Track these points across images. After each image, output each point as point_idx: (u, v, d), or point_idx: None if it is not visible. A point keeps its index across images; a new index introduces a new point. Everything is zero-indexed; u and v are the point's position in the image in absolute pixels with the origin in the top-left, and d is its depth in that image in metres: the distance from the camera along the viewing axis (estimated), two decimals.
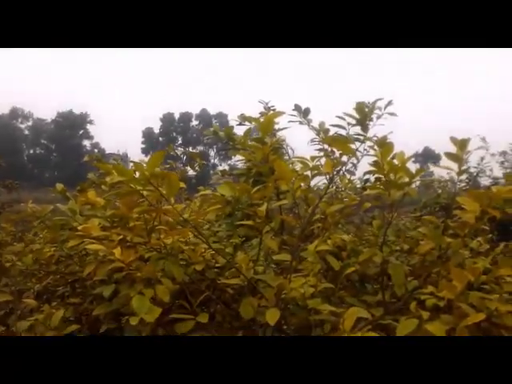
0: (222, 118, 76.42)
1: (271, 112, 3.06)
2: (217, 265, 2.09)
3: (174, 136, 79.33)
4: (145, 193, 1.55)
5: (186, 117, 79.85)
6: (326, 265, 2.03)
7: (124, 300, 1.76)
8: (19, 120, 76.40)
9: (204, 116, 79.37)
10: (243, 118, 2.99)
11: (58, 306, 2.40)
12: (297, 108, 2.98)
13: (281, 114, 2.20)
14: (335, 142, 2.10)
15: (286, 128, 3.04)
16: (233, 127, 2.78)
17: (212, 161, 74.69)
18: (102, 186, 2.89)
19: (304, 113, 3.02)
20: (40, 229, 3.93)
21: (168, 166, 4.27)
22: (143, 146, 78.28)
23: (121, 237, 1.80)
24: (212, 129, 2.83)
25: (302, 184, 2.01)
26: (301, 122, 3.03)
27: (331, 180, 1.94)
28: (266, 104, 3.18)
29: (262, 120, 2.55)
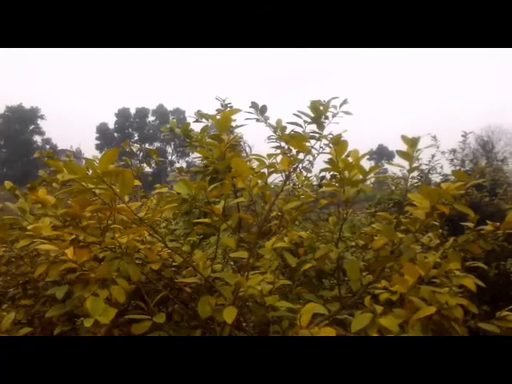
0: (179, 113, 75.42)
1: (228, 109, 3.06)
2: (174, 263, 2.06)
3: (129, 132, 77.54)
4: (97, 191, 1.51)
5: (142, 112, 78.24)
6: (283, 262, 2.05)
7: (77, 301, 1.71)
8: None
9: (161, 112, 78.04)
10: (200, 115, 2.96)
11: (8, 309, 2.32)
12: (254, 105, 2.99)
13: (237, 111, 2.20)
14: (292, 140, 2.11)
15: (242, 125, 3.05)
16: (189, 124, 2.75)
17: (169, 158, 73.71)
18: (54, 184, 2.79)
19: (261, 110, 3.04)
20: None
21: (123, 163, 4.18)
22: (98, 142, 76.14)
23: (73, 236, 1.74)
24: (169, 125, 2.79)
25: (259, 181, 2.02)
26: (258, 120, 3.04)
27: (287, 177, 1.95)
28: (223, 101, 3.17)
29: (218, 117, 2.54)
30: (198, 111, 2.98)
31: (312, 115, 2.23)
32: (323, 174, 2.82)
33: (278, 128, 2.92)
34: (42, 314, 2.11)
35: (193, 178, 3.14)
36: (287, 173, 1.85)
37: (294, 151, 2.31)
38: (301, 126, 2.64)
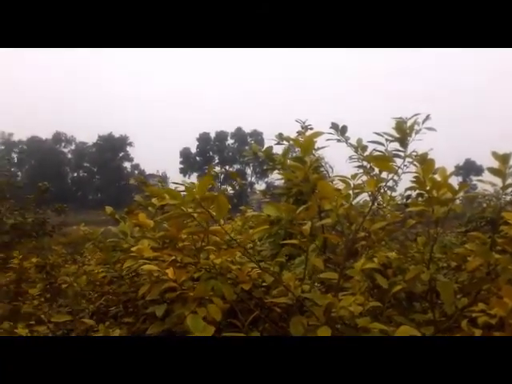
0: (256, 135, 77.08)
1: (310, 131, 3.12)
2: (263, 284, 2.13)
3: (210, 155, 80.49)
4: (195, 215, 1.62)
5: (221, 136, 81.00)
6: (371, 283, 2.04)
7: (176, 319, 1.83)
8: (62, 144, 79.58)
9: (239, 135, 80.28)
10: (281, 138, 3.05)
11: (111, 326, 2.50)
12: (334, 126, 3.02)
13: (320, 133, 2.25)
14: (376, 160, 2.12)
15: (324, 147, 3.08)
16: (272, 147, 2.85)
17: (249, 179, 75.18)
18: (149, 208, 3.01)
19: (341, 131, 3.06)
20: (90, 250, 4.10)
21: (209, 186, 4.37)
22: (181, 166, 79.68)
23: (172, 257, 1.88)
24: (251, 149, 2.90)
25: (344, 202, 2.04)
26: (339, 140, 3.06)
27: (374, 198, 1.96)
28: (303, 123, 3.24)
29: (301, 139, 2.60)
30: (279, 134, 3.08)
31: (397, 136, 2.22)
32: (408, 192, 2.77)
33: (359, 147, 2.92)
34: (143, 331, 2.26)
35: (273, 199, 3.22)
36: (374, 193, 1.86)
37: (376, 170, 2.31)
38: (382, 145, 2.63)
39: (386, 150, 2.65)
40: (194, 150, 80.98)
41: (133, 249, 1.92)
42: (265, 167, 3.03)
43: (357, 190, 2.00)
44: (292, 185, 2.55)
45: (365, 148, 2.90)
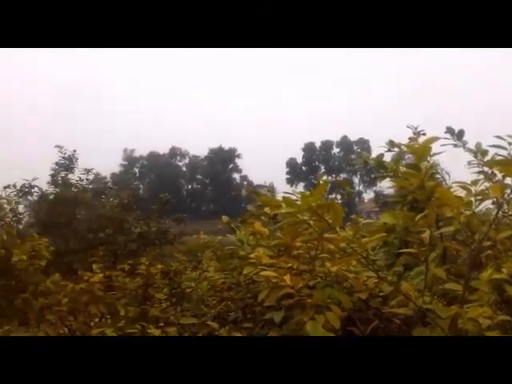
0: (363, 143, 75.29)
1: (426, 138, 3.01)
2: (380, 293, 2.10)
3: (316, 165, 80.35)
4: (311, 222, 1.67)
5: (327, 145, 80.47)
6: (498, 296, 1.91)
7: (294, 325, 1.89)
8: (177, 158, 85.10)
9: (345, 143, 79.08)
10: (392, 145, 2.98)
11: (231, 331, 2.64)
12: (450, 131, 2.89)
13: (436, 139, 2.18)
14: (499, 165, 2.00)
15: (440, 153, 2.95)
16: (383, 155, 2.80)
17: (356, 188, 73.60)
18: (262, 217, 3.14)
19: (458, 135, 2.91)
20: (208, 258, 4.36)
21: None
22: (287, 176, 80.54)
23: (289, 265, 1.94)
24: (360, 157, 2.89)
25: (465, 210, 1.95)
26: (455, 145, 2.92)
27: (500, 205, 1.84)
28: (415, 129, 3.13)
29: (415, 146, 2.52)
30: (390, 141, 3.01)
31: None
32: None
33: (479, 152, 2.76)
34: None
35: (384, 208, 3.14)
36: (500, 200, 1.76)
37: (499, 176, 2.17)
38: (505, 149, 2.48)
39: (509, 154, 2.52)
40: (299, 160, 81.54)
41: (251, 256, 2.02)
42: (373, 175, 2.98)
43: (479, 197, 1.90)
44: (407, 192, 2.48)
45: (485, 153, 2.74)
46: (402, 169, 2.63)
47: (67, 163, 8.16)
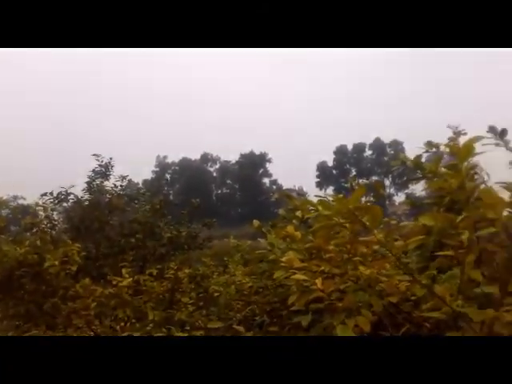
0: (396, 145, 74.15)
1: (468, 137, 2.91)
2: (412, 297, 2.03)
3: (347, 168, 79.57)
4: (347, 225, 1.63)
5: (359, 147, 79.61)
6: None
7: (322, 329, 1.84)
8: (209, 164, 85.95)
9: (377, 145, 78.03)
10: (430, 146, 2.89)
11: (256, 335, 2.60)
12: (492, 130, 2.78)
13: (480, 138, 2.08)
14: None
15: (481, 153, 2.85)
16: (421, 155, 2.72)
17: (388, 190, 72.46)
18: (294, 221, 3.10)
19: (501, 134, 2.80)
20: (235, 262, 4.35)
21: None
22: (317, 179, 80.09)
23: (320, 268, 1.90)
24: (398, 159, 2.80)
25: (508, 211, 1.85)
26: (497, 144, 2.81)
27: None
28: (456, 128, 3.03)
29: (457, 146, 2.44)
30: (428, 142, 2.93)
31: None
32: None
33: None
34: None
35: (411, 212, 3.04)
36: None
37: None
38: None
39: None
40: (330, 163, 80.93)
41: (283, 259, 1.98)
42: (407, 177, 2.90)
43: None
44: (445, 193, 2.39)
45: None
46: (441, 170, 2.54)
47: (103, 170, 8.34)
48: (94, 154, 8.30)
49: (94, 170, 8.30)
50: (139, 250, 7.10)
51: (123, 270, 4.45)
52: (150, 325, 3.03)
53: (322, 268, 1.89)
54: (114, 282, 4.22)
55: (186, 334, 2.72)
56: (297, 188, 66.60)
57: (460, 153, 1.92)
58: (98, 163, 8.32)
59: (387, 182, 73.65)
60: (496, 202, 1.61)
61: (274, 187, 78.12)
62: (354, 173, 77.56)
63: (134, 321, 3.84)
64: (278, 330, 2.61)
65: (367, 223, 1.56)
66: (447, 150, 2.30)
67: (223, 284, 3.39)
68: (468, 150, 1.92)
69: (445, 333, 1.72)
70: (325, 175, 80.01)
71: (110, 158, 8.47)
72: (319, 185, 77.94)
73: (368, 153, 79.65)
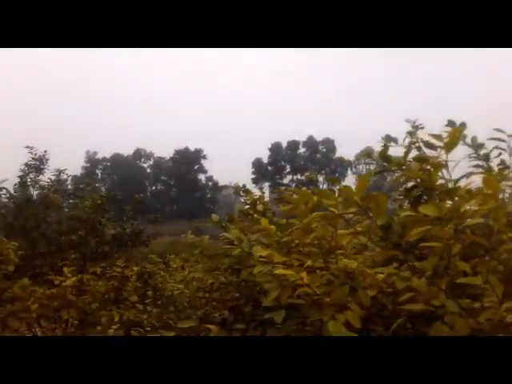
0: (328, 143, 76.45)
1: (421, 129, 2.97)
2: (388, 290, 2.02)
3: (282, 165, 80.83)
4: (350, 216, 1.59)
5: (293, 145, 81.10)
6: None
7: (294, 326, 1.78)
8: (142, 160, 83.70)
9: (310, 143, 79.95)
10: (388, 139, 2.93)
11: (221, 332, 2.49)
12: (450, 123, 2.86)
13: (464, 128, 2.15)
14: None
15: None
16: (387, 148, 2.75)
17: (321, 186, 74.56)
18: (255, 215, 3.02)
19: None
20: (193, 257, 4.21)
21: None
22: (253, 176, 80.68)
23: (307, 263, 1.83)
24: (365, 151, 2.82)
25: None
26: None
27: None
28: (414, 122, 3.09)
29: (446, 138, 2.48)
30: (387, 135, 2.97)
31: None
32: None
33: (475, 145, 2.76)
34: None
35: None
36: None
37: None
38: (504, 141, 2.52)
39: (508, 146, 2.57)
40: (265, 160, 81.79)
41: (263, 254, 1.89)
42: (369, 169, 2.92)
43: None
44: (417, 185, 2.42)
45: (481, 146, 2.75)
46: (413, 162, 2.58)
47: (37, 164, 7.76)
48: (26, 146, 7.71)
49: (26, 164, 7.69)
50: (80, 248, 6.71)
51: (65, 269, 4.18)
52: (113, 327, 2.83)
53: (303, 263, 1.81)
54: (57, 282, 3.95)
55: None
56: (232, 184, 66.67)
57: (447, 144, 1.94)
58: (32, 156, 7.73)
59: (320, 179, 75.80)
60: (495, 189, 1.63)
61: (210, 184, 77.76)
62: (289, 169, 79.12)
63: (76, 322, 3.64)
64: (245, 328, 2.52)
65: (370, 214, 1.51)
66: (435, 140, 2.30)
67: (181, 281, 3.24)
68: (453, 140, 1.94)
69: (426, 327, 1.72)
70: (260, 172, 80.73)
71: (45, 151, 7.90)
72: (255, 181, 78.52)
73: (302, 150, 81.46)
